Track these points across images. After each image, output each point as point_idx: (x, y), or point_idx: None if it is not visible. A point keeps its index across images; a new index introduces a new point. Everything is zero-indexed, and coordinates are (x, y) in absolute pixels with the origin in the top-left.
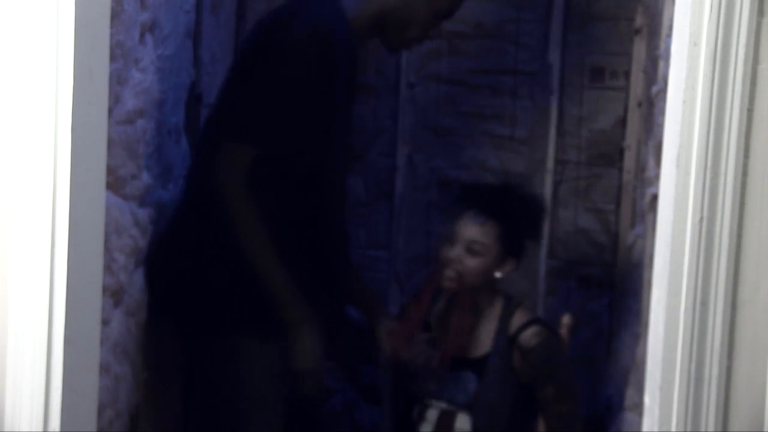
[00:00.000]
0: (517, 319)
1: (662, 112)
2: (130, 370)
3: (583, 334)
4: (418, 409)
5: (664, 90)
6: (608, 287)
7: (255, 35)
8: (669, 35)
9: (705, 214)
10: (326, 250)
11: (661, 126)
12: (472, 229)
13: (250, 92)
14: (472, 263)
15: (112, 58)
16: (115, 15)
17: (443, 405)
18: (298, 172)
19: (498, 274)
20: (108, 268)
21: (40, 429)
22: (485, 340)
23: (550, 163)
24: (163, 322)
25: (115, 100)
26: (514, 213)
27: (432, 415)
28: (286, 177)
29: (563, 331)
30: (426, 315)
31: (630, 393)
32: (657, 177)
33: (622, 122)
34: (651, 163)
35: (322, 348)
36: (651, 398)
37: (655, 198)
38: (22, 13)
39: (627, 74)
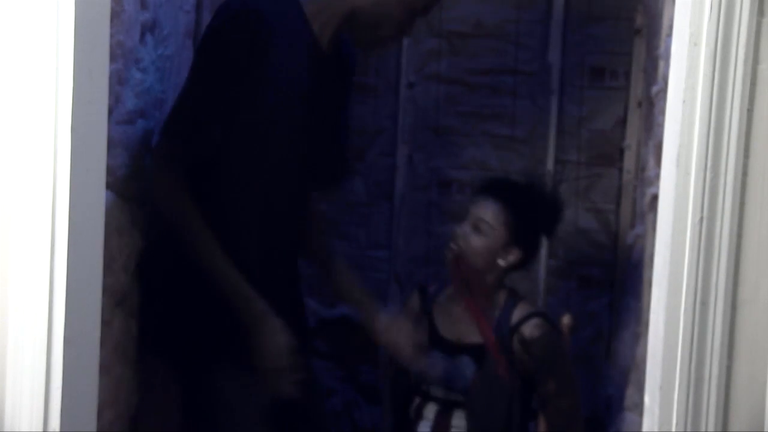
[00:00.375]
0: (520, 310)
1: (662, 112)
2: (131, 371)
3: (583, 334)
4: (417, 404)
5: (664, 90)
6: (608, 287)
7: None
8: (669, 35)
9: (705, 214)
10: (277, 246)
11: (661, 126)
12: (481, 209)
13: (184, 87)
14: (476, 242)
15: (112, 58)
16: (115, 15)
17: (441, 392)
18: (239, 165)
19: (502, 263)
20: (108, 268)
21: (40, 429)
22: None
23: (550, 163)
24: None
25: (115, 100)
26: (527, 205)
27: (430, 411)
28: (228, 170)
29: (563, 332)
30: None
31: (630, 393)
32: (657, 177)
33: (622, 122)
34: (651, 163)
35: (290, 344)
36: (651, 398)
37: (655, 198)
38: (22, 13)
39: (627, 74)
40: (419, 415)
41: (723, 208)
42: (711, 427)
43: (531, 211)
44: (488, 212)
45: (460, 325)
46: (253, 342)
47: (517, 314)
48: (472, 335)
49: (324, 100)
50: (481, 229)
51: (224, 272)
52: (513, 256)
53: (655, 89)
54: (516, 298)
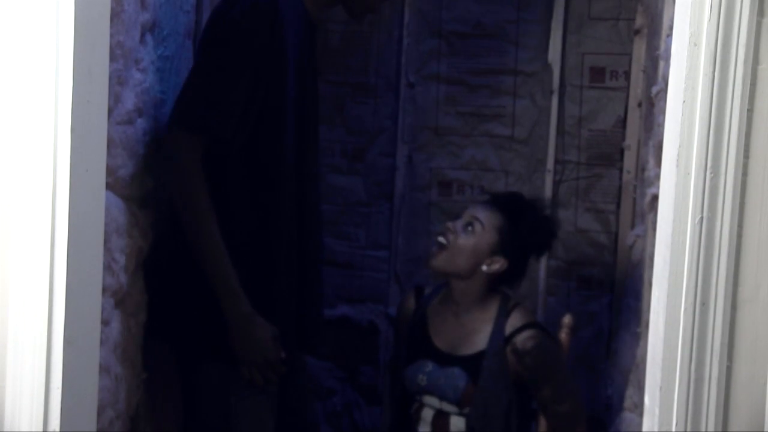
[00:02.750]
0: (514, 320)
1: (662, 112)
2: (131, 371)
3: (583, 334)
4: (415, 409)
5: (664, 90)
6: (608, 287)
7: (207, 22)
8: (669, 35)
9: (705, 214)
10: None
11: (661, 126)
12: (477, 209)
13: (197, 79)
14: (463, 239)
15: (112, 58)
16: (115, 15)
17: (434, 401)
18: (251, 158)
19: (484, 267)
20: (108, 268)
21: (40, 429)
22: (478, 338)
23: (550, 163)
24: (161, 324)
25: (115, 100)
26: (523, 219)
27: (428, 415)
28: (239, 165)
29: (563, 331)
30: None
31: (630, 393)
32: (657, 177)
33: (622, 122)
34: (651, 163)
35: (274, 338)
36: (651, 398)
37: (655, 198)
38: (22, 13)
39: (627, 74)
40: (418, 418)
41: (723, 208)
42: (711, 427)
43: (526, 226)
44: (483, 213)
45: (454, 334)
46: (234, 338)
47: (510, 324)
48: (466, 347)
49: (311, 69)
50: (473, 228)
51: (222, 264)
52: (497, 264)
53: (655, 89)
54: (508, 305)
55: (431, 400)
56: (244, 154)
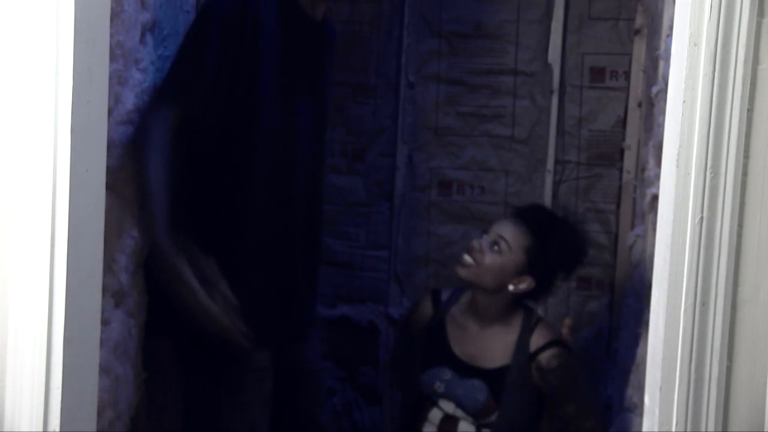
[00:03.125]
0: (538, 337)
1: (662, 112)
2: (131, 371)
3: (583, 334)
4: (423, 408)
5: (664, 90)
6: (608, 287)
7: None
8: (669, 35)
9: (705, 214)
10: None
11: (661, 126)
12: (504, 226)
13: (176, 57)
14: (489, 258)
15: (112, 58)
16: (115, 15)
17: (450, 406)
18: (225, 135)
19: (511, 287)
20: (108, 268)
21: (40, 429)
22: (501, 352)
23: (550, 163)
24: (161, 323)
25: (115, 100)
26: (553, 237)
27: (435, 417)
28: (214, 139)
29: (564, 331)
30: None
31: (630, 393)
32: (657, 177)
33: (622, 122)
34: (651, 163)
35: (225, 310)
36: (651, 398)
37: (655, 198)
38: (22, 13)
39: (627, 74)
40: (424, 418)
41: (723, 208)
42: (711, 427)
43: (555, 244)
44: (510, 232)
45: (475, 345)
46: (186, 316)
47: (534, 341)
48: (488, 360)
49: (310, 63)
50: (499, 247)
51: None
52: (524, 284)
53: (655, 89)
54: (531, 320)
55: (447, 405)
56: (219, 138)
